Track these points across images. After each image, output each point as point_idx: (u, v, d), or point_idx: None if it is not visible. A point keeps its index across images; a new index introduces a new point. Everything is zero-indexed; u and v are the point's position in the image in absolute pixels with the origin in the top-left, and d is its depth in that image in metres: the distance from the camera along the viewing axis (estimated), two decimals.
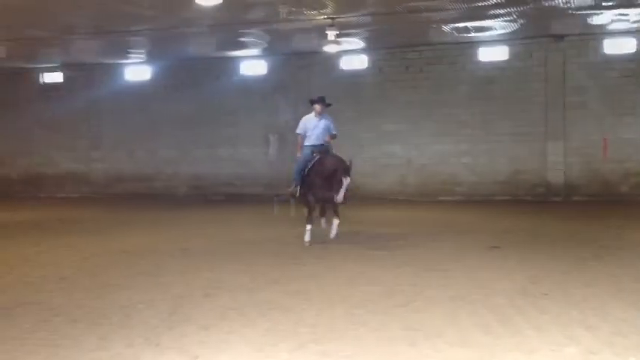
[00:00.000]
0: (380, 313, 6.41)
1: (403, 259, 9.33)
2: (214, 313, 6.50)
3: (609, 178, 17.83)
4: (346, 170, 10.25)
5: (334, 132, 11.28)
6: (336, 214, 11.06)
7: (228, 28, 15.81)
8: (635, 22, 15.92)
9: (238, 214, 15.82)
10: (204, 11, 13.50)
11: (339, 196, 10.21)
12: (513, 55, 18.40)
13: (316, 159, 10.93)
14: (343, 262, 9.14)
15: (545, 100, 18.17)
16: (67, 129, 22.57)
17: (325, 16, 14.30)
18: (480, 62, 18.71)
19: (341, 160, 10.50)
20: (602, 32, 17.24)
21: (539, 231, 12.11)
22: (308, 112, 11.46)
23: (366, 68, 19.66)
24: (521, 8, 14.27)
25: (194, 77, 21.30)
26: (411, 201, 18.29)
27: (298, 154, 11.30)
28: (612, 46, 17.60)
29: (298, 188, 11.04)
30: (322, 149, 11.07)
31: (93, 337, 5.78)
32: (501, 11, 14.60)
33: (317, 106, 11.24)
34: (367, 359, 5.09)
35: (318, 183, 10.69)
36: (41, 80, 22.89)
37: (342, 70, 19.81)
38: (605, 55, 17.70)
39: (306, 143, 11.23)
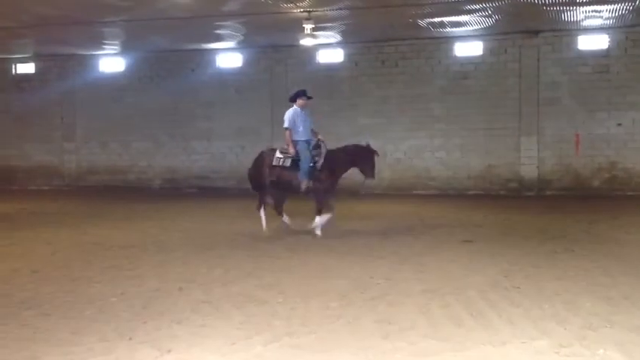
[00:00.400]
0: (354, 306, 6.43)
1: (378, 252, 9.37)
2: (188, 306, 6.47)
3: (581, 172, 18.04)
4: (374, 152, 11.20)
5: (312, 126, 11.33)
6: (331, 209, 11.20)
7: (204, 20, 15.70)
8: (607, 18, 16.09)
9: (212, 208, 15.74)
10: (179, 2, 13.40)
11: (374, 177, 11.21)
12: (488, 50, 18.52)
13: (327, 153, 11.05)
14: (318, 256, 9.15)
15: (519, 95, 18.32)
16: (40, 121, 22.28)
17: (302, 10, 14.26)
18: (455, 57, 18.80)
19: (362, 147, 11.33)
20: (575, 28, 17.41)
21: (511, 225, 12.22)
22: (289, 107, 11.37)
23: (342, 62, 19.65)
24: (497, 4, 14.34)
25: (169, 69, 21.16)
26: (385, 195, 18.33)
27: (291, 150, 11.10)
28: (585, 43, 17.78)
29: (310, 182, 10.95)
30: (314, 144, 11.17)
31: (65, 331, 5.73)
32: (477, 7, 14.67)
33: (301, 100, 11.22)
34: (341, 352, 5.11)
35: (338, 176, 11.19)
36: (13, 71, 22.55)
37: (318, 63, 19.78)
38: (578, 51, 17.88)
39: (300, 138, 11.09)
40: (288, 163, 11.09)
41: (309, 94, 11.39)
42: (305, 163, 10.93)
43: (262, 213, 11.35)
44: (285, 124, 11.16)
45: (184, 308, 6.40)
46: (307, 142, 11.11)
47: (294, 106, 11.25)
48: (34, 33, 17.45)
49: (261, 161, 11.45)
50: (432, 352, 5.08)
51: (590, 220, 12.62)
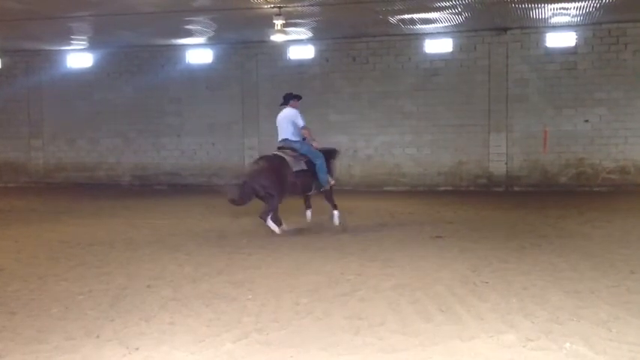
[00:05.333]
0: (324, 302, 6.43)
1: (348, 249, 9.38)
2: (156, 304, 6.42)
3: (549, 169, 18.27)
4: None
5: None
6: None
7: (174, 16, 15.57)
8: (575, 15, 16.29)
9: (182, 205, 15.62)
10: None
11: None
12: (458, 47, 18.64)
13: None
14: (288, 252, 9.14)
15: (488, 92, 18.48)
16: (6, 117, 21.96)
17: (272, 5, 14.21)
18: (425, 54, 18.89)
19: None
20: (543, 26, 17.62)
21: (481, 221, 12.32)
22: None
23: (313, 58, 19.63)
24: (466, 1, 14.44)
25: (138, 65, 20.97)
26: (356, 191, 18.38)
27: (316, 144, 11.24)
28: (553, 40, 17.99)
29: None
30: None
31: (31, 330, 5.66)
32: (446, 4, 14.76)
33: (295, 102, 11.45)
34: (311, 348, 5.10)
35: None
36: None
37: (289, 59, 19.75)
38: (546, 48, 18.08)
39: (300, 139, 11.20)
40: (304, 165, 11.04)
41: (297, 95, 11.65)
42: (322, 163, 11.12)
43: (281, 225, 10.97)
44: (304, 123, 11.13)
45: (153, 306, 6.35)
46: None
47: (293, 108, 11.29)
48: (0, 28, 17.15)
49: (283, 166, 10.90)
50: (401, 347, 5.10)
51: (558, 215, 12.78)
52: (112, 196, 17.61)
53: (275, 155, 11.12)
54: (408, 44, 18.93)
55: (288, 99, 11.43)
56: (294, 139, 11.13)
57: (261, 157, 11.50)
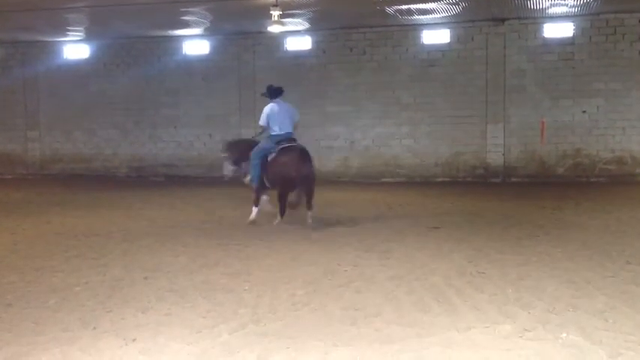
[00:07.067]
0: (321, 293, 6.44)
1: (345, 240, 9.37)
2: (153, 295, 6.42)
3: (546, 159, 18.26)
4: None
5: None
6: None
7: (170, 7, 15.51)
8: (573, 6, 16.25)
9: (179, 196, 15.60)
10: None
11: None
12: (455, 38, 18.58)
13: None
14: (285, 244, 9.13)
15: (485, 83, 18.43)
16: (2, 108, 21.88)
17: None
18: (422, 45, 18.82)
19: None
20: (541, 16, 17.56)
21: (478, 212, 12.32)
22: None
23: (310, 49, 19.56)
24: None
25: (135, 56, 20.90)
26: (354, 182, 18.38)
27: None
28: (551, 30, 17.93)
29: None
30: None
31: (27, 321, 5.65)
32: None
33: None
34: (307, 339, 5.10)
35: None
36: None
37: (286, 50, 19.69)
38: (544, 38, 18.03)
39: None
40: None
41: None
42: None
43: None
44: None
45: (149, 297, 6.35)
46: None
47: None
48: None
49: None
50: (397, 338, 5.10)
51: (555, 206, 12.79)
52: (109, 188, 17.58)
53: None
54: (406, 35, 18.88)
55: (280, 93, 11.23)
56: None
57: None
